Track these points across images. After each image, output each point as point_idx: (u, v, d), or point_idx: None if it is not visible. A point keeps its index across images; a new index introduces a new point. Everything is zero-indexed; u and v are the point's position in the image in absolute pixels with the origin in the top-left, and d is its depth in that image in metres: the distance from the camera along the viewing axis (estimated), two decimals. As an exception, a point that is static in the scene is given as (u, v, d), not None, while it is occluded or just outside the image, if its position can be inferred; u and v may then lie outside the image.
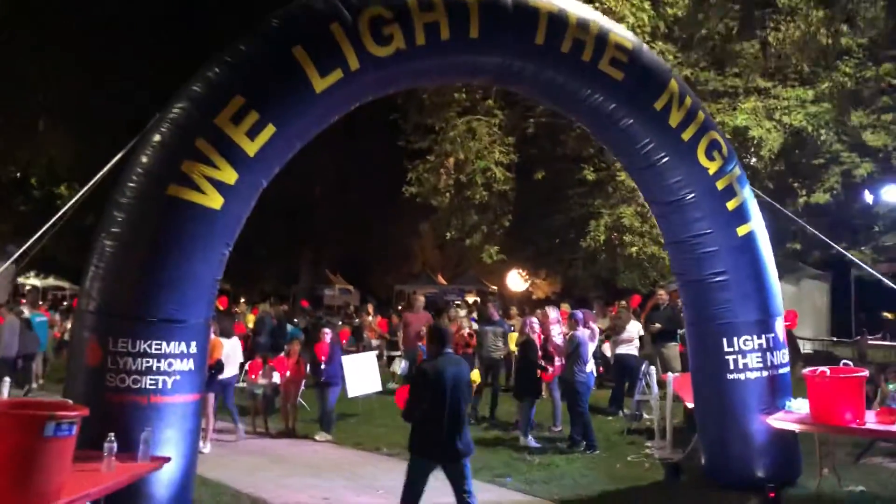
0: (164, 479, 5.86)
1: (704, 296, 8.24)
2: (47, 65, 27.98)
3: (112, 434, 5.07)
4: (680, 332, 13.14)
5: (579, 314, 10.86)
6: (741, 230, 8.16)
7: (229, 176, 6.16)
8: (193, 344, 6.12)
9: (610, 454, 10.12)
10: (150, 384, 5.89)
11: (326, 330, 12.36)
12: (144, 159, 6.09)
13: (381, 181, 27.97)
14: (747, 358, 8.05)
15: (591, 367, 10.74)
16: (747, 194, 8.31)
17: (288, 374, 11.96)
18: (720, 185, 8.11)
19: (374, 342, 15.99)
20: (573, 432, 10.45)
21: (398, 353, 15.93)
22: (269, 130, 6.26)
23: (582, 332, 10.63)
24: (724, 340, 8.09)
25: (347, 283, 42.05)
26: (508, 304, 20.98)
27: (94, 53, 27.49)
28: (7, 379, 9.01)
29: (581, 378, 10.44)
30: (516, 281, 34.94)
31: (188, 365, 6.09)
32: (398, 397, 9.88)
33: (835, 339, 21.53)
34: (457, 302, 31.92)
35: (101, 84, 27.84)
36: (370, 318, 17.24)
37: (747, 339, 8.05)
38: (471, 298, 34.80)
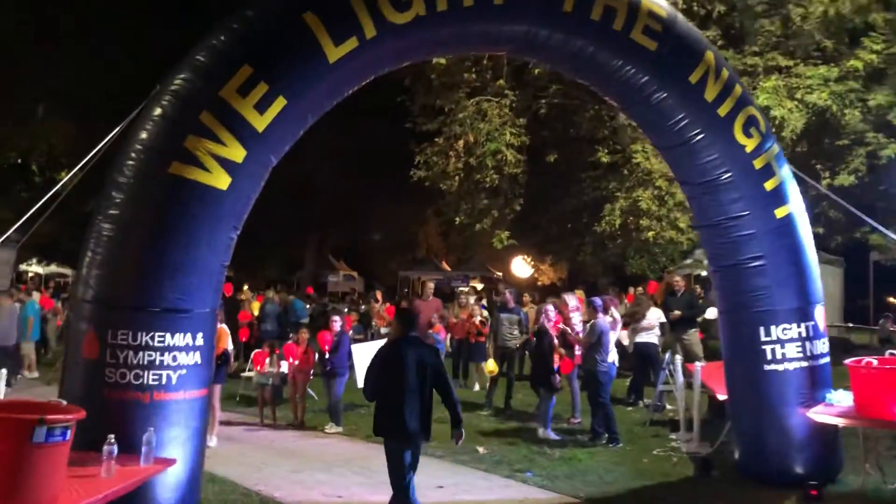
0: (170, 481, 5.41)
1: (739, 282, 7.76)
2: (46, 49, 27.45)
3: (112, 436, 4.60)
4: (699, 318, 12.73)
5: (599, 301, 10.39)
6: (779, 212, 7.67)
7: (237, 153, 5.67)
8: (200, 335, 5.65)
9: (634, 448, 9.67)
10: (153, 380, 5.43)
11: (336, 317, 11.91)
12: (144, 135, 5.60)
13: (386, 165, 27.44)
14: (786, 348, 7.60)
15: (613, 356, 10.28)
16: (786, 174, 7.81)
17: (296, 362, 11.51)
18: (758, 164, 7.62)
19: (384, 330, 15.54)
20: (595, 424, 10.01)
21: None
22: (280, 103, 5.76)
23: (603, 320, 10.17)
24: (761, 329, 7.63)
25: (351, 270, 41.63)
26: (498, 289, 20.55)
27: (92, 37, 26.97)
28: (4, 370, 8.56)
29: (603, 368, 9.98)
30: (521, 267, 34.50)
31: (194, 358, 5.62)
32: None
33: (850, 325, 21.10)
34: (462, 288, 31.49)
35: (99, 68, 27.36)
36: (379, 305, 16.76)
37: (786, 328, 7.58)
38: (476, 285, 34.38)
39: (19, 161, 32.24)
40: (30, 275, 35.67)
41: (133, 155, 5.56)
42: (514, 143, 16.51)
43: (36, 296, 19.25)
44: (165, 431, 5.44)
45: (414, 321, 6.39)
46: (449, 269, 41.18)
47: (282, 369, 11.70)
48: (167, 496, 5.44)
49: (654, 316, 12.65)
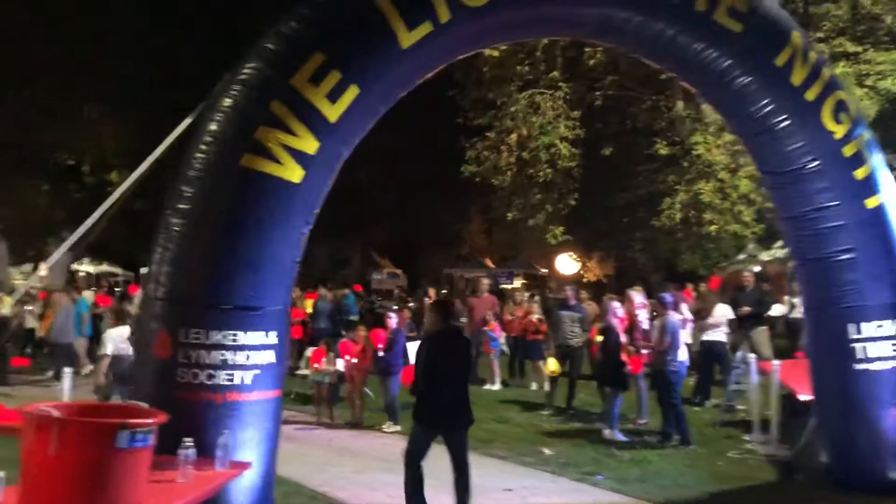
0: (244, 485, 5.21)
1: (827, 276, 7.33)
2: (98, 51, 27.81)
3: (189, 439, 4.40)
4: (767, 315, 12.26)
5: (669, 297, 10.00)
6: (870, 202, 7.23)
7: (310, 144, 5.45)
8: (273, 333, 5.45)
9: (707, 450, 9.27)
10: (226, 379, 5.24)
11: (392, 314, 11.71)
12: (214, 126, 5.41)
13: (431, 161, 27.25)
14: (878, 346, 7.15)
15: (683, 355, 9.89)
16: (878, 162, 7.36)
17: (354, 360, 11.31)
18: (847, 151, 7.18)
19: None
20: (666, 426, 9.62)
21: (463, 339, 15.19)
22: (352, 92, 5.53)
23: (674, 317, 9.78)
24: (851, 326, 7.20)
25: (395, 267, 41.54)
26: (559, 286, 20.16)
27: (144, 38, 27.23)
28: (69, 369, 8.54)
29: (673, 367, 9.59)
30: (567, 263, 34.03)
31: (267, 357, 5.42)
32: (405, 376, 10.04)
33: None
34: (506, 285, 31.12)
35: (150, 69, 27.63)
36: (431, 302, 16.53)
37: (879, 325, 7.14)
38: (518, 282, 34.00)
39: (72, 163, 32.78)
40: (81, 273, 36.25)
41: (203, 148, 5.38)
42: (568, 137, 16.13)
43: (88, 294, 19.45)
44: (239, 433, 5.24)
45: (450, 313, 6.80)
46: (492, 265, 40.85)
47: (337, 367, 11.53)
48: (241, 500, 5.25)
49: (721, 313, 12.18)
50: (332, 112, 5.50)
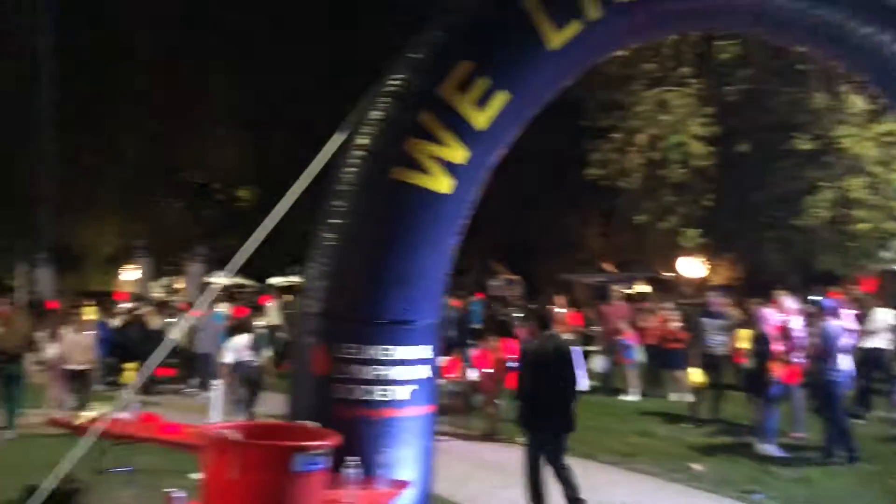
0: (402, 504, 5.11)
1: None
2: (225, 71, 29.09)
3: (355, 458, 4.33)
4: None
5: (830, 303, 9.30)
6: None
7: (459, 154, 5.31)
8: (426, 347, 5.34)
9: (878, 467, 8.55)
10: (382, 395, 5.16)
11: (521, 323, 11.47)
12: (364, 140, 5.36)
13: (548, 165, 26.82)
14: None
15: (845, 363, 9.16)
16: None
17: (489, 370, 11.15)
18: None
19: (565, 335, 14.89)
20: (828, 440, 8.94)
21: (595, 348, 14.78)
22: (501, 98, 5.35)
23: (833, 324, 9.08)
24: None
25: (512, 273, 41.21)
26: (683, 291, 19.30)
27: (269, 56, 28.24)
28: (217, 381, 8.79)
29: (834, 377, 8.91)
30: (691, 266, 32.69)
31: (422, 372, 5.32)
32: (509, 382, 10.13)
33: None
34: (625, 290, 30.17)
35: (276, 87, 28.62)
36: (561, 310, 16.15)
37: None
38: (639, 287, 32.94)
39: (203, 182, 34.43)
40: (214, 286, 37.91)
41: (354, 161, 5.34)
42: (700, 134, 15.41)
43: (223, 306, 20.21)
44: (395, 450, 5.15)
45: (548, 320, 7.19)
46: (612, 270, 39.81)
47: (472, 377, 11.39)
48: (400, 519, 5.14)
49: (883, 318, 11.26)
50: (481, 120, 5.34)
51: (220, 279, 35.69)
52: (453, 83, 5.27)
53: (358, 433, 5.06)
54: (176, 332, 17.54)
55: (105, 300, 22.58)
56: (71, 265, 29.74)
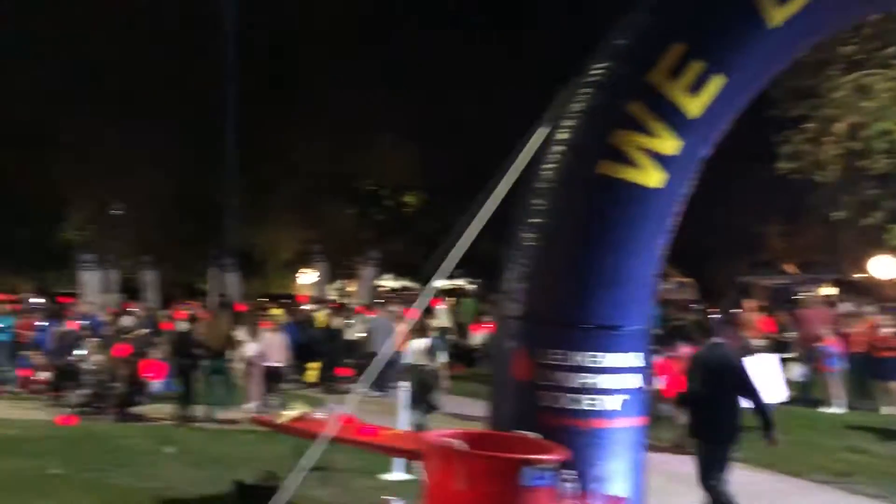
0: (612, 522, 4.77)
1: None
2: (393, 81, 29.87)
3: (572, 471, 4.05)
4: None
5: None
6: None
7: (670, 145, 4.92)
8: (637, 355, 4.98)
9: None
10: (590, 404, 4.85)
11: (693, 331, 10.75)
12: (565, 134, 5.08)
13: (723, 159, 25.40)
14: None
15: None
16: None
17: (671, 378, 10.53)
18: None
19: (757, 342, 13.91)
20: None
21: (791, 355, 13.65)
22: (717, 82, 4.90)
23: None
24: None
25: (684, 277, 39.45)
26: (876, 294, 17.44)
27: (434, 61, 28.69)
28: (404, 383, 8.83)
29: None
30: (885, 267, 29.79)
31: (632, 381, 4.96)
32: (670, 386, 10.03)
33: None
34: (808, 294, 27.94)
35: (442, 94, 29.06)
36: (751, 314, 15.10)
37: None
38: (825, 290, 30.45)
39: (373, 188, 35.59)
40: (383, 288, 39.08)
41: (555, 157, 5.07)
42: (911, 120, 13.88)
43: (393, 308, 20.62)
44: (604, 464, 4.82)
45: (712, 328, 7.38)
46: (794, 271, 37.14)
47: (656, 385, 10.80)
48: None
49: None
50: (695, 107, 4.91)
51: (389, 282, 36.75)
52: (664, 68, 4.88)
53: (565, 444, 4.76)
54: (354, 332, 18.13)
55: (288, 302, 23.75)
56: (253, 270, 31.62)
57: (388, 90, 30.06)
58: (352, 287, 34.00)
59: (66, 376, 12.88)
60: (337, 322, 18.02)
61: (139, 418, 12.05)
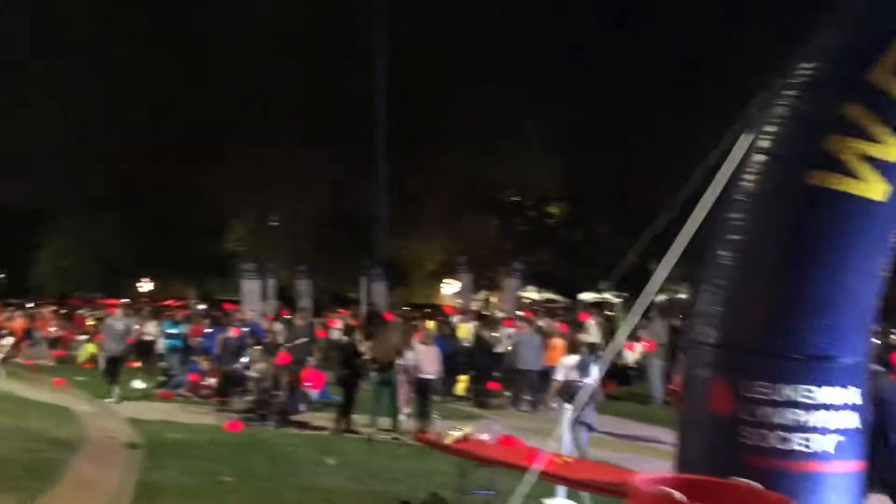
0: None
1: None
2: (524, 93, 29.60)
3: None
4: None
5: None
6: None
7: (895, 152, 4.32)
8: (854, 390, 4.40)
9: None
10: (801, 444, 4.32)
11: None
12: (767, 143, 4.58)
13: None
14: None
15: None
16: None
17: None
18: None
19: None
20: None
21: None
22: (951, 79, 4.25)
23: None
24: None
25: None
26: None
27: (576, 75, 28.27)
28: (568, 406, 8.48)
29: None
30: None
31: (849, 420, 4.38)
32: None
33: None
34: None
35: (589, 106, 28.59)
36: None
37: None
38: None
39: (517, 199, 35.42)
40: (525, 301, 38.71)
41: (757, 167, 4.58)
42: None
43: (542, 322, 20.20)
44: (818, 512, 4.27)
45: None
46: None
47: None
48: None
49: None
50: (925, 108, 4.30)
51: (532, 294, 36.32)
52: (887, 66, 4.30)
53: (772, 488, 4.27)
54: (501, 345, 17.90)
55: (435, 313, 23.87)
56: (399, 279, 32.18)
57: (533, 99, 29.82)
58: (494, 298, 33.89)
59: (232, 382, 13.43)
60: (485, 334, 17.86)
61: (300, 426, 12.36)
